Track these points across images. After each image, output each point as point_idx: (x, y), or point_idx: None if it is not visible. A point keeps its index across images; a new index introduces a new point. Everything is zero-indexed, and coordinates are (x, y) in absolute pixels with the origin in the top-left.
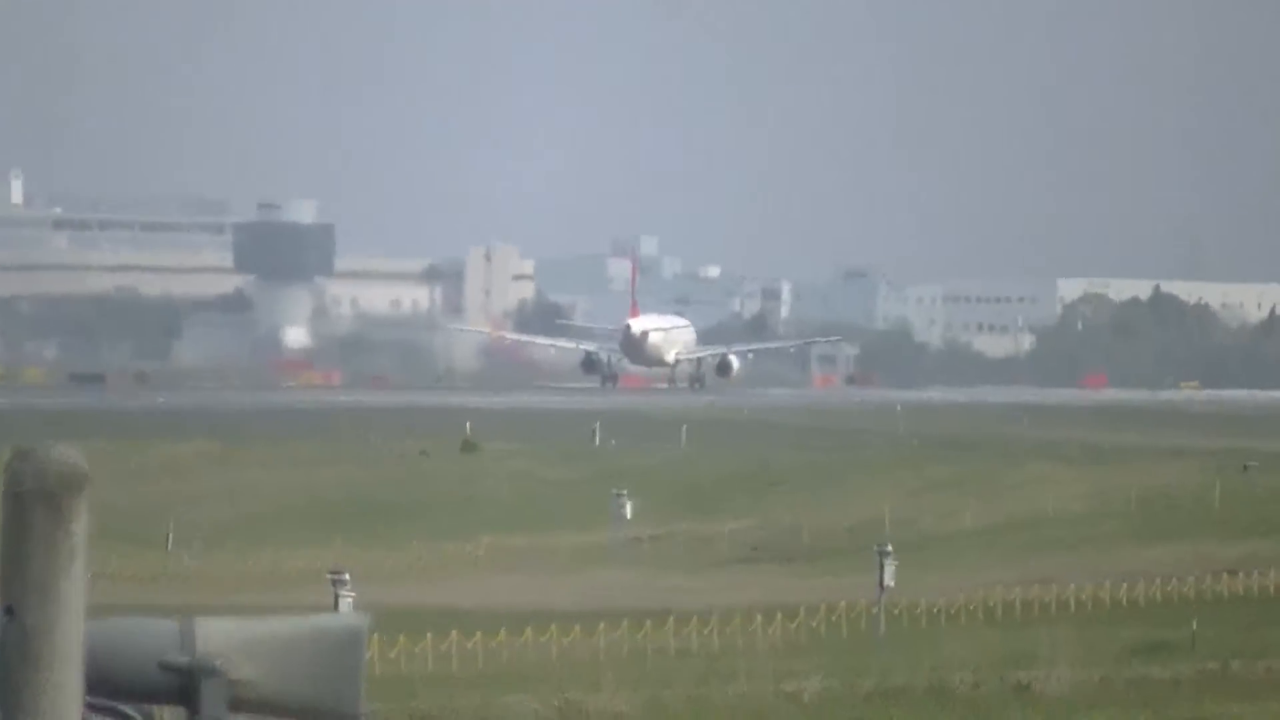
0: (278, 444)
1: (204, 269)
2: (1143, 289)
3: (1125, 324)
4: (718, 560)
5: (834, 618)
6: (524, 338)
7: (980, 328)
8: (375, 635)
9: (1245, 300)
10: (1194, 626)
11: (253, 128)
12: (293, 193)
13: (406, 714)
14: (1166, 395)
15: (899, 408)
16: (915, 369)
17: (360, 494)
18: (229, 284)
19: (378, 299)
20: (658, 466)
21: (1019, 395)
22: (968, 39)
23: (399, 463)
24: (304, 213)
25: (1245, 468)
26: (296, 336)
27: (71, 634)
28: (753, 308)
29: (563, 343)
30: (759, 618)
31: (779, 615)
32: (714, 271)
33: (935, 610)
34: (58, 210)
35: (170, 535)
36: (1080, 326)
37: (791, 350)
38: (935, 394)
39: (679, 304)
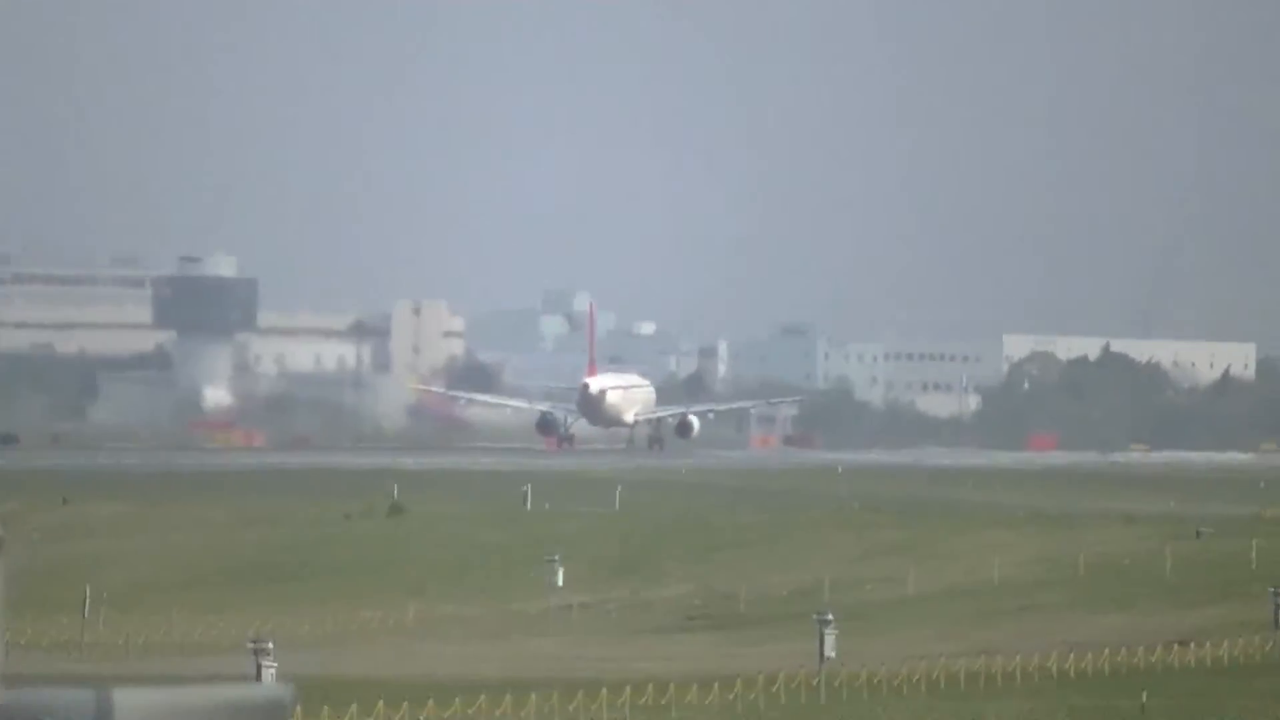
0: (198, 506)
1: (122, 325)
2: (1092, 347)
3: (1074, 383)
4: (653, 627)
5: (773, 688)
6: (478, 397)
7: (924, 387)
8: (299, 706)
9: (1197, 359)
10: (1144, 699)
11: (173, 178)
12: (214, 246)
13: None
14: (1117, 457)
15: (840, 469)
16: (856, 429)
17: (283, 558)
18: (148, 341)
19: (302, 356)
20: (591, 530)
21: (964, 457)
22: (907, 91)
23: (323, 526)
24: (226, 266)
25: (1198, 534)
26: (218, 395)
27: None
28: (689, 366)
29: (517, 402)
30: (695, 688)
31: (716, 686)
32: (649, 328)
33: (878, 681)
34: None
35: (87, 600)
36: (1027, 386)
37: (752, 410)
38: (877, 455)
39: (612, 362)
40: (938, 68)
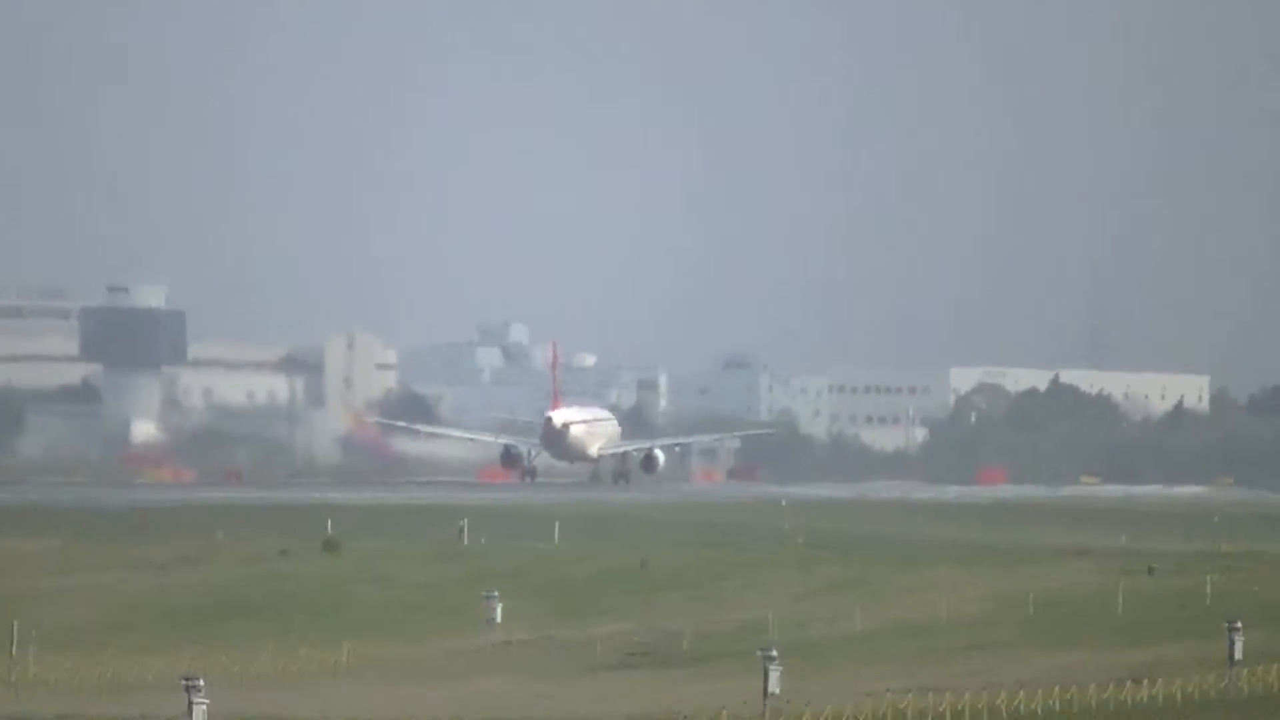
0: (126, 543)
1: (48, 357)
2: (1041, 379)
3: (1023, 416)
4: (594, 666)
5: None
6: (438, 430)
7: (869, 420)
8: None
9: (1149, 391)
10: None
11: (99, 207)
12: (142, 276)
13: None
14: (1067, 491)
15: (784, 504)
16: (800, 463)
17: (215, 596)
18: (74, 373)
19: (233, 389)
20: (530, 565)
21: (911, 491)
22: (853, 122)
23: (256, 563)
24: (154, 297)
25: (1150, 569)
26: (146, 429)
27: None
28: (629, 399)
29: (483, 436)
30: None
31: None
32: (589, 360)
33: (823, 718)
34: None
35: (14, 639)
36: (975, 418)
37: (729, 444)
38: (822, 489)
39: (549, 395)
40: (884, 99)
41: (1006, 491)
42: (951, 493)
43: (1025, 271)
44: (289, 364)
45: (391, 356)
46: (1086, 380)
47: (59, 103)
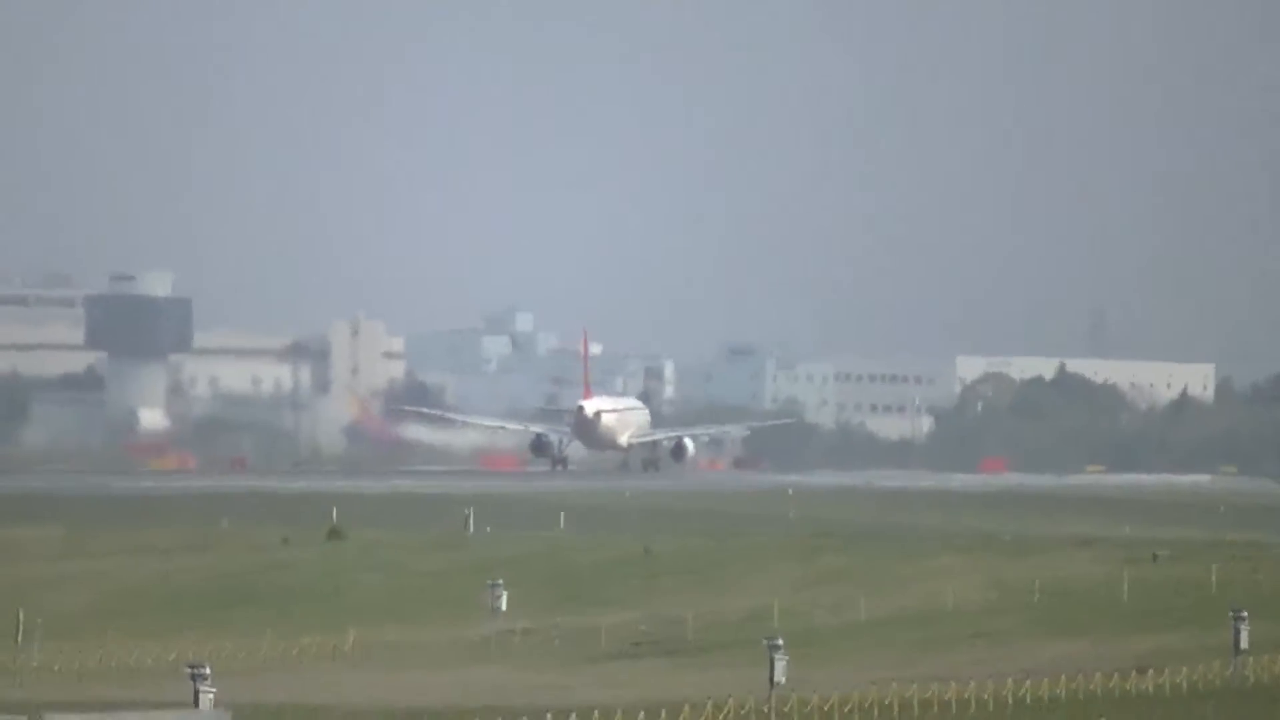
0: (131, 530)
1: (53, 345)
2: (1047, 368)
3: (1028, 405)
4: (598, 654)
5: (722, 716)
6: (469, 418)
7: (874, 408)
8: None
9: (1155, 380)
10: None
11: (104, 194)
12: (147, 264)
13: None
14: (1072, 480)
15: (789, 492)
16: (805, 452)
17: (219, 584)
18: (79, 361)
19: (238, 377)
20: (534, 554)
21: (916, 480)
22: (858, 110)
23: (260, 551)
24: (159, 285)
25: (1155, 557)
26: (151, 417)
27: None
28: (635, 387)
29: (512, 425)
30: (641, 716)
31: (663, 713)
32: (595, 349)
33: (828, 708)
34: None
35: (20, 626)
36: (980, 407)
37: (747, 434)
38: (827, 478)
39: (556, 383)
40: (888, 88)
41: (1011, 480)
42: (957, 482)
43: (1031, 261)
44: (294, 352)
45: (397, 344)
46: (1092, 369)
47: (64, 92)
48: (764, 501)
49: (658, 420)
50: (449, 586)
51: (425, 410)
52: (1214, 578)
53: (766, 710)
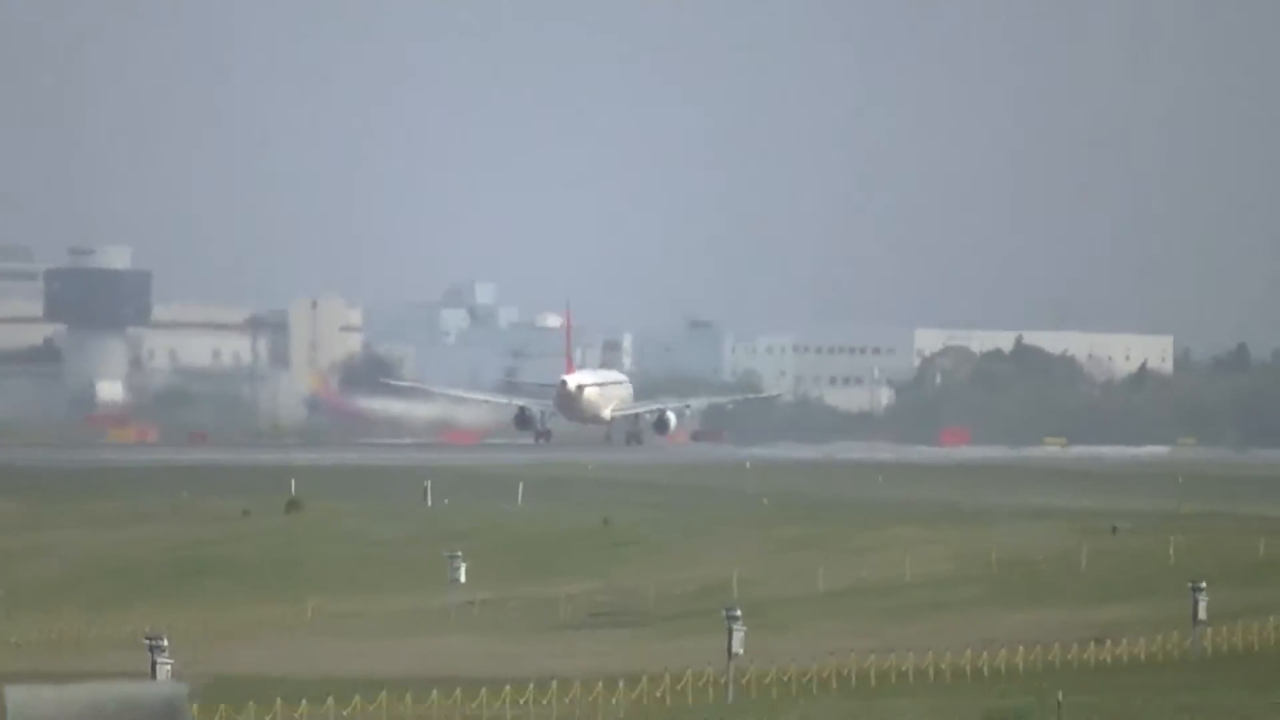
0: (90, 502)
1: (11, 318)
2: (1005, 340)
3: (987, 377)
4: (557, 625)
5: (680, 686)
6: (451, 392)
7: (833, 381)
8: (195, 704)
9: (1113, 352)
10: (1060, 697)
11: (64, 167)
12: (107, 237)
13: None
14: (1031, 452)
15: (748, 465)
16: (764, 424)
17: (179, 555)
18: (38, 334)
19: (197, 350)
20: (493, 526)
21: (875, 452)
22: (814, 81)
23: (220, 522)
24: (119, 259)
25: (1114, 529)
26: (111, 389)
27: None
28: (594, 360)
29: (497, 398)
30: (600, 686)
31: (621, 684)
32: (553, 321)
33: (787, 678)
34: None
35: None
36: (939, 379)
37: (730, 406)
38: (786, 450)
39: (516, 355)
40: (846, 62)
41: (970, 452)
42: (916, 453)
43: (990, 234)
44: (254, 325)
45: (356, 318)
46: (1050, 341)
47: (24, 67)
48: (723, 474)
49: None
50: (408, 558)
51: (409, 384)
52: (1172, 549)
53: (724, 681)
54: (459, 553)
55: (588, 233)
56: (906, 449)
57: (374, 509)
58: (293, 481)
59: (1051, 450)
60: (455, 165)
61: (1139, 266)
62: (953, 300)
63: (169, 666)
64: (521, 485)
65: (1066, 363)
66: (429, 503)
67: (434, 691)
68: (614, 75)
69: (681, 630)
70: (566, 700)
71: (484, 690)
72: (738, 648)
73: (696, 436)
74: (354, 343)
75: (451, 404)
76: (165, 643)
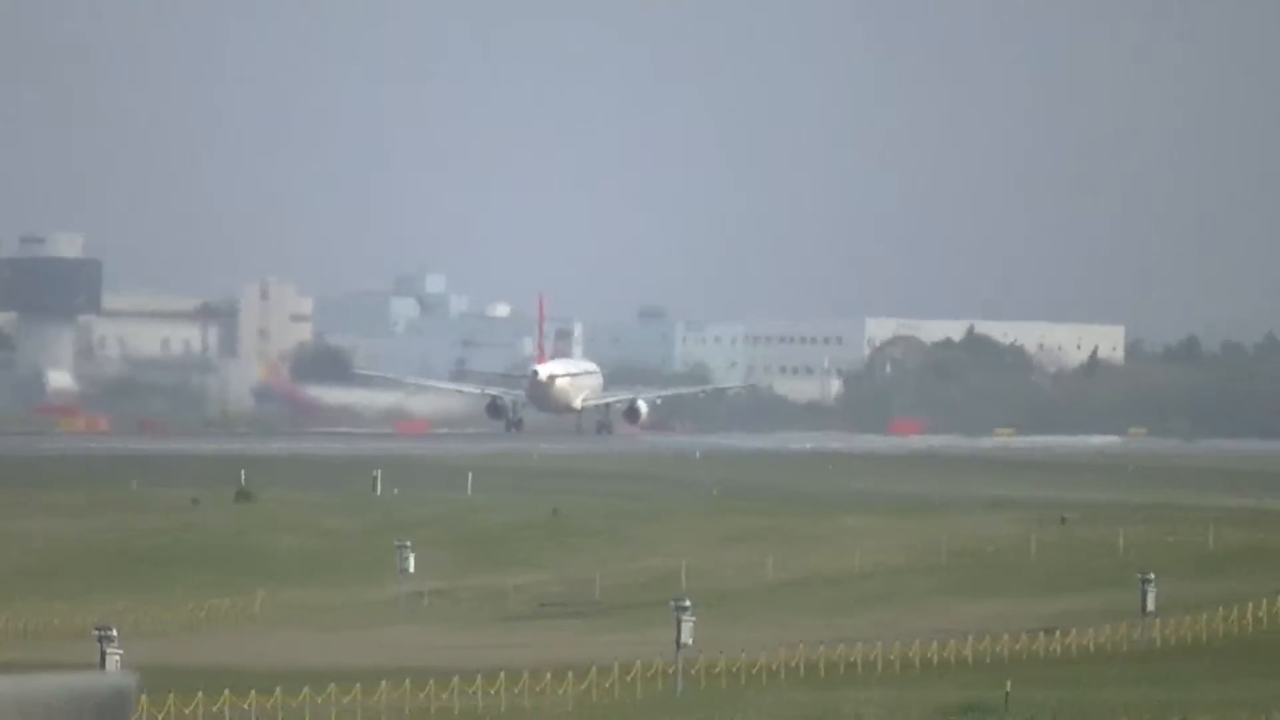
0: (40, 492)
1: None
2: (956, 329)
3: (938, 366)
4: (506, 615)
5: (629, 677)
6: (427, 383)
7: (783, 370)
8: (144, 695)
9: (1064, 341)
10: (1008, 687)
11: (13, 156)
12: (57, 225)
13: None
14: (982, 442)
15: (698, 454)
16: (715, 413)
17: (127, 545)
18: None
19: (147, 339)
20: (443, 516)
21: (825, 442)
22: (757, 67)
23: (169, 512)
24: (69, 247)
25: (1063, 519)
26: (60, 378)
27: None
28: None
29: (468, 387)
30: (549, 677)
31: (570, 675)
32: (503, 310)
33: (736, 669)
34: None
35: None
36: (890, 369)
37: (701, 395)
38: (736, 440)
39: (466, 345)
40: (793, 46)
41: (921, 442)
42: (867, 443)
43: (940, 223)
44: (204, 314)
45: (306, 307)
46: (1001, 331)
47: None
48: (673, 464)
49: None
50: (358, 548)
51: (380, 374)
52: (1122, 539)
53: (673, 672)
54: (408, 543)
55: (538, 222)
56: (857, 439)
57: (324, 499)
58: (242, 471)
59: (1002, 440)
60: (404, 154)
61: (1090, 256)
62: (904, 289)
63: (118, 657)
64: (471, 475)
65: (1017, 352)
66: (378, 492)
67: (383, 682)
68: (561, 63)
69: (631, 621)
70: (515, 691)
71: (433, 681)
72: (687, 638)
73: (645, 426)
74: (304, 331)
75: (408, 394)
76: (114, 633)
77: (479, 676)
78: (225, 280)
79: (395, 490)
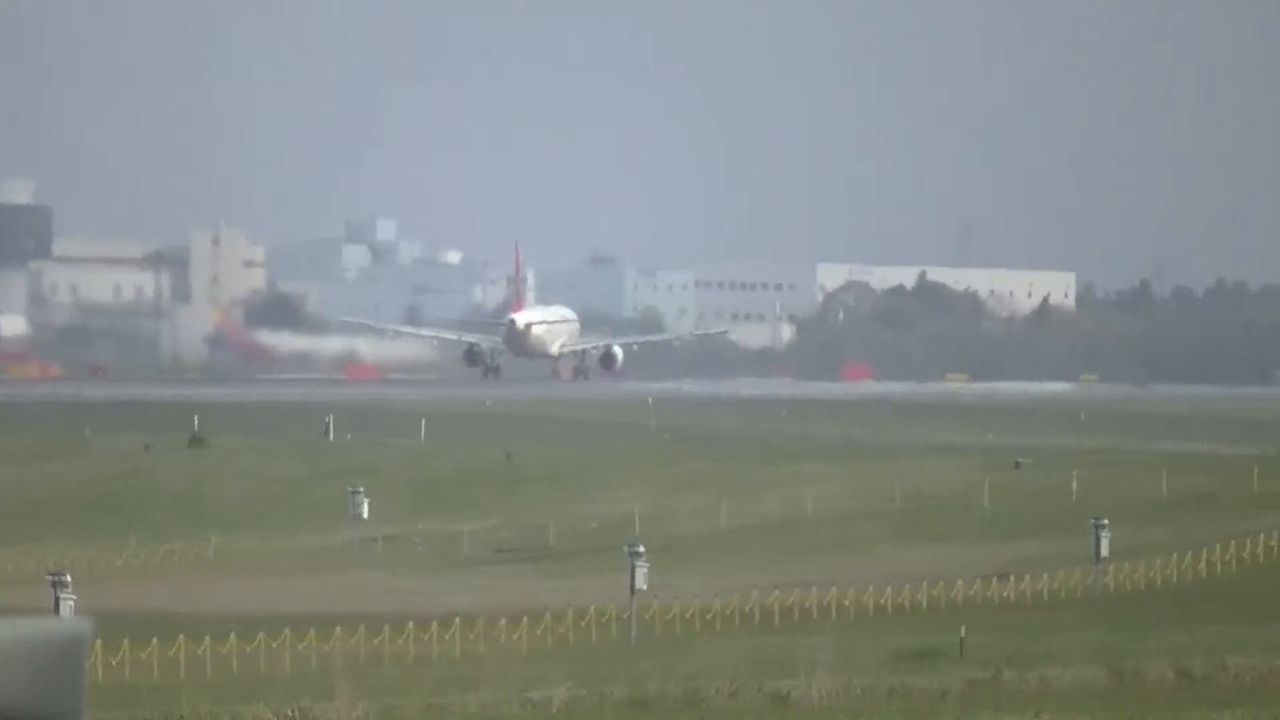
0: None
1: None
2: (908, 276)
3: (890, 313)
4: (459, 561)
5: (583, 622)
6: (404, 329)
7: (735, 317)
8: (98, 640)
9: (1016, 288)
10: (962, 633)
11: None
12: (7, 171)
13: None
14: (933, 388)
15: (650, 401)
16: (666, 360)
17: (79, 491)
18: None
19: (99, 285)
20: (395, 462)
21: (777, 388)
22: (714, 16)
23: (121, 459)
24: (19, 193)
25: (1016, 465)
26: (12, 325)
27: None
28: (496, 296)
29: (446, 334)
30: (503, 622)
31: (524, 620)
32: (454, 257)
33: (690, 615)
34: None
35: None
36: (842, 316)
37: (676, 344)
38: (688, 386)
39: (418, 292)
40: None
41: (872, 389)
42: (818, 389)
43: (893, 169)
44: (155, 260)
45: (258, 254)
46: (953, 278)
47: None
48: (624, 410)
49: None
50: (311, 494)
51: (367, 322)
52: (1074, 485)
53: (626, 617)
54: (361, 489)
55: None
56: (808, 385)
57: (276, 445)
58: (195, 417)
59: (954, 386)
60: (355, 101)
61: (1041, 204)
62: (856, 235)
63: (72, 602)
64: (424, 421)
65: (969, 299)
66: (331, 437)
67: (337, 628)
68: (509, 8)
69: (584, 566)
70: (470, 637)
71: (387, 627)
72: (641, 583)
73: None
74: (256, 278)
75: (380, 339)
76: (68, 578)
77: (434, 622)
78: (177, 227)
79: (348, 436)
